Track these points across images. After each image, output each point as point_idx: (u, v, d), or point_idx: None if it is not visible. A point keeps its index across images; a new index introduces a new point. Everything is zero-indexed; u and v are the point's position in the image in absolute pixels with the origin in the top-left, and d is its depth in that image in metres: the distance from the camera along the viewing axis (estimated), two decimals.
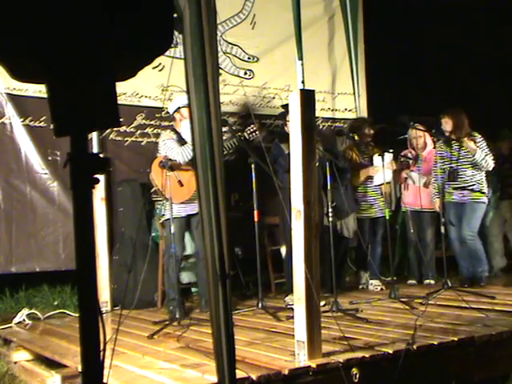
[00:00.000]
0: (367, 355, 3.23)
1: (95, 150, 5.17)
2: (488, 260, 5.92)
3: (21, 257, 5.26)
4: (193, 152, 2.22)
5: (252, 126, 5.17)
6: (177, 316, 4.42)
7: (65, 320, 4.97)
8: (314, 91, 3.36)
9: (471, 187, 5.54)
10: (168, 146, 4.86)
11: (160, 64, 5.54)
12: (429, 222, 6.09)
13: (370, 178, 5.83)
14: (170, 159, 4.70)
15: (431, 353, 3.45)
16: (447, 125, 5.62)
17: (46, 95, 1.33)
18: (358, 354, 3.22)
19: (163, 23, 1.34)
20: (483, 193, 5.58)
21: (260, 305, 4.78)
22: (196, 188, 2.18)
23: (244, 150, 4.96)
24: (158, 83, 5.78)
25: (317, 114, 4.40)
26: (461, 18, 9.00)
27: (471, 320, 4.10)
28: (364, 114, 6.91)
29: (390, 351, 3.31)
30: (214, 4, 2.16)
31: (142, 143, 5.82)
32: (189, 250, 5.42)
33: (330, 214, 4.80)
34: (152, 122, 5.86)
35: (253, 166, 4.85)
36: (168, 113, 5.24)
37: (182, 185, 4.83)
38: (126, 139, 5.77)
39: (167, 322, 4.34)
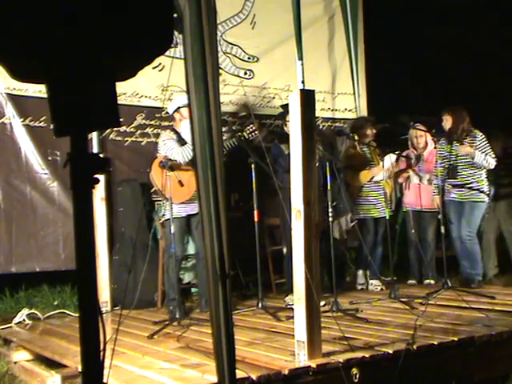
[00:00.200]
0: (367, 355, 3.23)
1: (95, 150, 5.17)
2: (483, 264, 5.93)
3: (21, 257, 5.26)
4: (193, 152, 2.22)
5: (251, 125, 5.17)
6: (177, 316, 4.42)
7: (65, 320, 4.97)
8: (313, 91, 3.36)
9: (470, 185, 5.54)
10: (168, 146, 4.86)
11: (160, 64, 5.54)
12: (430, 222, 6.09)
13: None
14: (170, 159, 4.71)
15: (431, 353, 3.45)
16: (447, 122, 5.62)
17: (46, 95, 1.33)
18: (358, 354, 3.22)
19: (163, 23, 1.34)
20: (482, 191, 5.57)
21: (260, 305, 4.79)
22: (196, 188, 2.18)
23: (244, 150, 4.96)
24: (158, 83, 5.78)
25: (317, 114, 4.39)
26: (461, 18, 9.00)
27: (471, 320, 4.10)
28: (364, 113, 6.91)
29: (390, 351, 3.31)
30: (214, 4, 2.16)
31: (142, 143, 5.82)
32: (191, 250, 5.43)
33: (330, 214, 4.80)
34: (152, 122, 5.86)
35: (253, 165, 4.85)
36: (168, 113, 5.24)
37: (182, 185, 4.83)
38: (126, 139, 5.77)
39: (167, 322, 4.34)
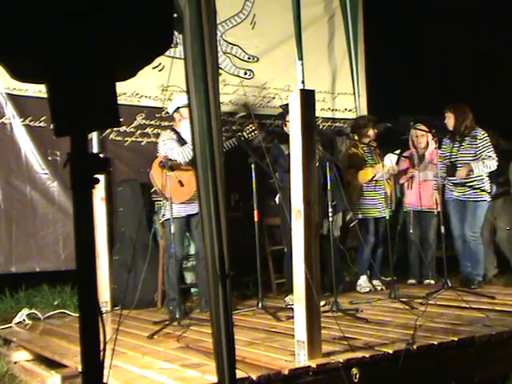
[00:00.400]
0: (367, 355, 3.23)
1: (95, 150, 5.17)
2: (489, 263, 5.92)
3: (21, 257, 5.26)
4: (193, 152, 2.22)
5: (251, 125, 5.17)
6: (177, 316, 4.42)
7: (65, 320, 4.97)
8: (313, 91, 3.36)
9: (470, 184, 5.53)
10: (168, 146, 4.86)
11: (160, 64, 5.54)
12: (431, 222, 6.08)
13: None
14: (170, 159, 4.71)
15: (431, 353, 3.45)
16: (450, 120, 5.61)
17: (46, 95, 1.33)
18: (358, 354, 3.22)
19: (163, 23, 1.34)
20: (483, 190, 5.56)
21: (260, 305, 4.79)
22: (196, 188, 2.18)
23: (244, 150, 4.97)
24: (158, 83, 5.78)
25: (317, 114, 4.40)
26: (461, 18, 9.00)
27: (471, 320, 4.10)
28: (364, 114, 6.90)
29: (390, 351, 3.31)
30: (213, 4, 2.16)
31: (142, 143, 5.82)
32: (193, 250, 5.43)
33: (330, 214, 4.80)
34: (152, 122, 5.86)
35: (253, 166, 4.85)
36: (168, 113, 5.24)
37: (182, 185, 4.83)
38: (126, 139, 5.77)
39: (167, 322, 4.34)
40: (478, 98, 6.50)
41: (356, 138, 5.79)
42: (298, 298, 3.25)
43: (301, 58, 3.73)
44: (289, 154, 3.46)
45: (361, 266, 5.86)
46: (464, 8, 8.74)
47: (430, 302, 4.79)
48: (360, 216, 5.75)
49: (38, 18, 1.21)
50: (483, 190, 5.54)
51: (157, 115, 5.79)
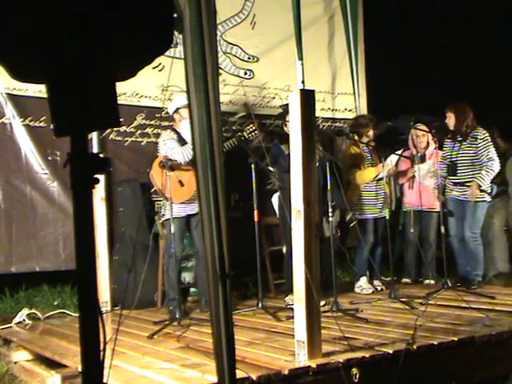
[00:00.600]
0: (367, 355, 3.23)
1: (95, 150, 5.17)
2: (488, 262, 5.91)
3: (21, 257, 5.26)
4: (193, 152, 2.22)
5: (252, 125, 5.17)
6: (177, 316, 4.42)
7: (65, 320, 4.97)
8: (313, 91, 3.36)
9: (470, 184, 5.52)
10: (168, 146, 4.86)
11: (160, 64, 5.54)
12: (432, 222, 6.08)
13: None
14: (170, 159, 4.71)
15: (431, 353, 3.45)
16: (450, 120, 5.61)
17: (46, 95, 1.33)
18: (358, 354, 3.22)
19: (163, 23, 1.34)
20: (483, 191, 5.54)
21: (260, 305, 4.79)
22: (196, 188, 2.18)
23: (244, 150, 4.97)
24: (158, 83, 5.78)
25: (317, 114, 4.39)
26: (461, 18, 9.00)
27: (471, 320, 4.10)
28: (364, 113, 6.90)
29: (390, 351, 3.31)
30: (213, 4, 2.16)
31: (142, 143, 5.82)
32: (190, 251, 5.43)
33: (330, 214, 4.80)
34: (152, 122, 5.86)
35: (253, 166, 4.85)
36: (168, 113, 5.24)
37: (182, 185, 4.83)
38: (126, 139, 5.77)
39: (167, 322, 4.34)
40: (477, 98, 6.50)
41: (356, 137, 5.78)
42: (298, 298, 3.25)
43: (301, 58, 3.73)
44: (289, 154, 3.46)
45: (360, 266, 5.82)
46: (464, 8, 8.74)
47: (430, 302, 4.79)
48: (360, 216, 5.74)
49: (38, 18, 1.21)
50: (483, 190, 5.52)
51: (157, 115, 5.79)
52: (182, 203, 4.82)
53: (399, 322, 4.13)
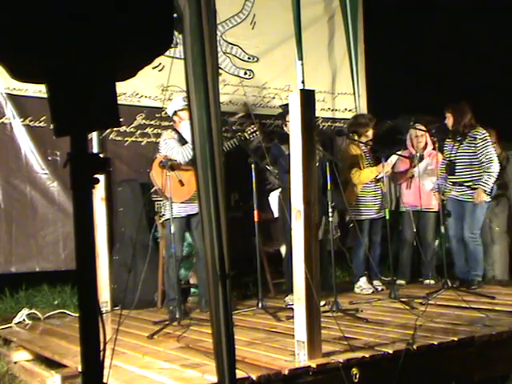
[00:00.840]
0: (367, 355, 3.23)
1: (95, 150, 5.17)
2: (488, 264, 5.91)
3: (21, 257, 5.26)
4: (193, 152, 2.22)
5: (252, 126, 5.17)
6: (177, 316, 4.42)
7: (65, 320, 4.97)
8: (313, 91, 3.36)
9: (468, 183, 5.51)
10: (169, 146, 4.86)
11: (160, 64, 5.55)
12: (430, 222, 6.08)
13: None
14: (170, 159, 4.71)
15: (431, 353, 3.45)
16: (449, 120, 5.60)
17: (46, 95, 1.33)
18: (358, 354, 3.22)
19: (163, 23, 1.34)
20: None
21: (260, 305, 4.79)
22: (196, 188, 2.18)
23: (244, 150, 4.97)
24: (158, 83, 5.78)
25: (317, 114, 4.40)
26: (461, 18, 9.00)
27: (471, 320, 4.10)
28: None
29: (390, 351, 3.31)
30: (213, 4, 2.16)
31: (142, 143, 5.83)
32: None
33: (330, 214, 4.80)
34: (152, 122, 5.86)
35: (253, 166, 4.85)
36: (167, 113, 5.24)
37: (182, 184, 4.83)
38: (126, 139, 5.77)
39: (167, 322, 4.34)
40: (478, 98, 6.50)
41: (356, 137, 5.77)
42: (298, 298, 3.25)
43: (301, 58, 3.74)
44: (289, 154, 3.46)
45: (358, 267, 5.80)
46: (464, 8, 8.74)
47: (430, 302, 4.79)
48: (358, 216, 5.73)
49: (39, 18, 1.21)
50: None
51: (157, 115, 5.80)
52: (182, 203, 4.82)
53: (399, 322, 4.13)
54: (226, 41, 6.28)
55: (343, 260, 5.81)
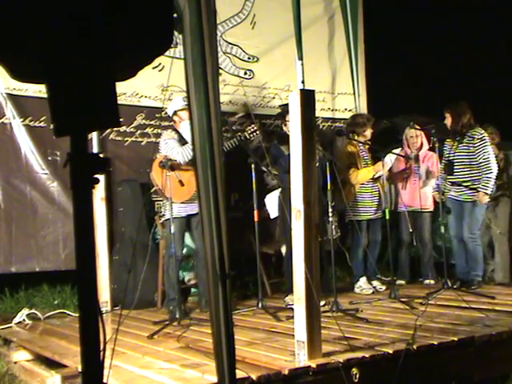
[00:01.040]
0: (367, 355, 3.23)
1: (95, 150, 5.17)
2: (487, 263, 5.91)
3: (21, 257, 5.26)
4: (193, 152, 2.22)
5: (253, 126, 5.17)
6: (177, 316, 4.42)
7: (65, 320, 4.97)
8: (313, 91, 3.36)
9: (467, 184, 5.51)
10: (169, 146, 4.86)
11: (160, 64, 5.55)
12: (427, 222, 6.07)
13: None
14: (170, 159, 4.71)
15: (431, 353, 3.44)
16: (448, 120, 5.60)
17: (46, 95, 1.33)
18: (358, 354, 3.22)
19: (163, 23, 1.34)
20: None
21: (260, 305, 4.79)
22: (196, 188, 2.18)
23: (244, 150, 4.97)
24: (158, 83, 5.78)
25: (317, 114, 4.40)
26: (461, 18, 9.00)
27: (471, 320, 4.10)
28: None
29: (390, 351, 3.31)
30: (213, 4, 2.16)
31: (142, 143, 5.82)
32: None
33: (330, 214, 4.80)
34: (152, 122, 5.86)
35: (253, 166, 4.85)
36: (167, 113, 5.25)
37: (182, 184, 4.83)
38: (125, 139, 5.77)
39: (167, 322, 4.34)
40: (478, 98, 6.50)
41: (356, 137, 5.77)
42: (298, 298, 3.25)
43: (301, 58, 3.74)
44: (289, 154, 3.46)
45: (357, 267, 5.80)
46: (464, 8, 8.74)
47: (430, 302, 4.79)
48: (357, 216, 5.72)
49: (39, 19, 1.21)
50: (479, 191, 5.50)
51: (157, 115, 5.79)
52: (183, 203, 4.82)
53: (399, 322, 4.13)
54: (226, 41, 6.28)
55: (343, 260, 5.82)
